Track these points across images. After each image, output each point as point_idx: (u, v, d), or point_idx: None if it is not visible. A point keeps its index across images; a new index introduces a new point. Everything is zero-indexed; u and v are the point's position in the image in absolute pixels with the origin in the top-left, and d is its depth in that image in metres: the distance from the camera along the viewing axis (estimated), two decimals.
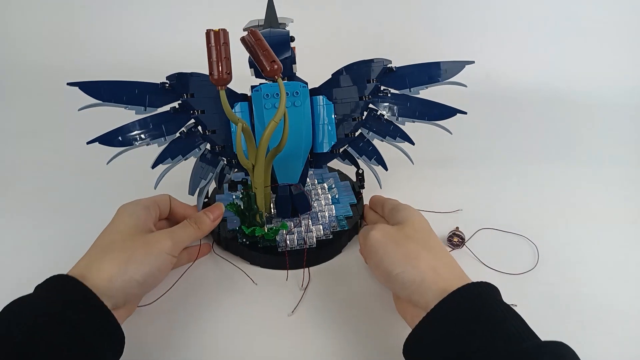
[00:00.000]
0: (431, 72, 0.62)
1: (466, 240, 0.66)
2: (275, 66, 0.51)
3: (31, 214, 0.71)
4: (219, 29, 0.46)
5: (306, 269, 0.61)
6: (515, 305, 0.44)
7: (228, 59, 0.47)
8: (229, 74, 0.48)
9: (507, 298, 0.57)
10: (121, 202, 0.55)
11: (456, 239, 0.65)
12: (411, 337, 0.43)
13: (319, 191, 0.70)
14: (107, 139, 0.56)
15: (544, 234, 0.67)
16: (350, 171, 0.73)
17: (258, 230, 0.60)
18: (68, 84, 0.54)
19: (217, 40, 0.46)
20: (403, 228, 0.51)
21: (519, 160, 0.85)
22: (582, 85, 1.08)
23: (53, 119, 0.99)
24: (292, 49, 0.60)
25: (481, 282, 0.44)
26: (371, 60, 0.61)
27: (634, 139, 0.94)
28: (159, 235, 0.50)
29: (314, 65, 0.64)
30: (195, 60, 0.63)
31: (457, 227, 0.67)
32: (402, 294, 0.47)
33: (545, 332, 0.40)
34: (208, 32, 0.46)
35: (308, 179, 0.71)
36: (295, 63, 0.60)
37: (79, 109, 0.55)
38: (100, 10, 1.23)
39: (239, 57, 0.54)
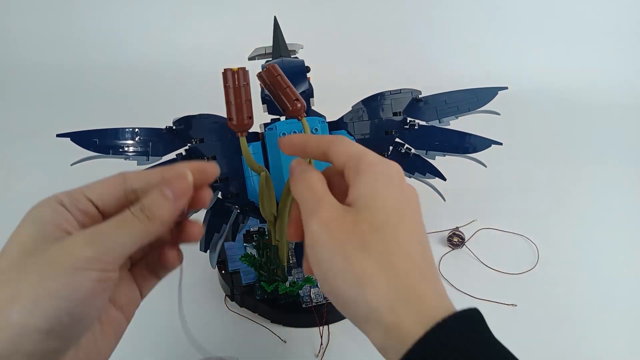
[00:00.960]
0: (463, 100, 0.56)
1: (466, 240, 0.66)
2: (299, 105, 0.45)
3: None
4: (237, 68, 0.40)
5: (320, 329, 0.54)
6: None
7: (249, 101, 0.41)
8: (251, 118, 0.41)
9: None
10: None
11: (456, 239, 0.65)
12: None
13: None
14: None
15: (544, 234, 0.67)
16: None
17: (282, 287, 0.54)
18: (57, 135, 0.46)
19: (235, 81, 0.40)
20: (360, 221, 0.30)
21: (519, 160, 0.85)
22: (582, 85, 1.09)
23: (53, 120, 0.95)
24: (308, 80, 0.53)
25: (451, 319, 0.27)
26: (398, 91, 0.55)
27: (633, 139, 0.95)
28: (70, 241, 0.28)
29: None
30: (198, 62, 0.57)
31: (457, 227, 0.67)
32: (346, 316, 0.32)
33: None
34: (225, 72, 0.40)
35: None
36: (312, 96, 0.54)
37: (72, 164, 0.47)
38: (100, 9, 1.19)
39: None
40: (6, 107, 1.07)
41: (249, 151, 0.44)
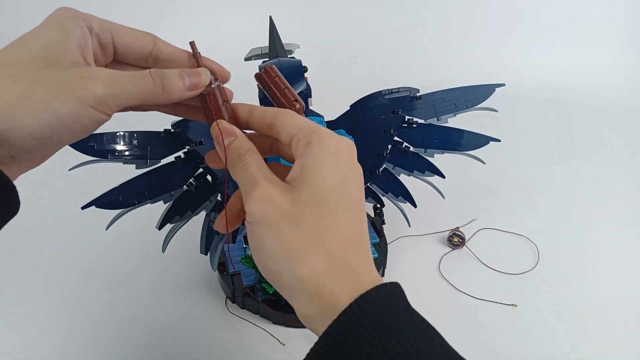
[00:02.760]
0: (460, 98, 0.56)
1: (466, 240, 0.66)
2: (297, 105, 0.45)
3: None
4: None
5: None
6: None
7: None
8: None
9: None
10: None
11: (456, 239, 0.65)
12: None
13: None
14: (104, 202, 0.48)
15: (544, 234, 0.67)
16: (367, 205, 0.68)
17: None
18: None
19: (212, 100, 0.38)
20: (297, 198, 0.30)
21: (519, 160, 0.85)
22: (582, 85, 1.08)
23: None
24: (305, 80, 0.53)
25: (377, 289, 0.29)
26: (396, 90, 0.55)
27: (634, 139, 0.94)
28: (90, 74, 0.30)
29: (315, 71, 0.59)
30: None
31: (457, 227, 0.66)
32: (283, 296, 0.32)
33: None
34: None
35: None
36: (310, 96, 0.54)
37: (70, 169, 0.47)
38: (99, 8, 1.16)
39: (244, 85, 0.47)
40: None
41: None
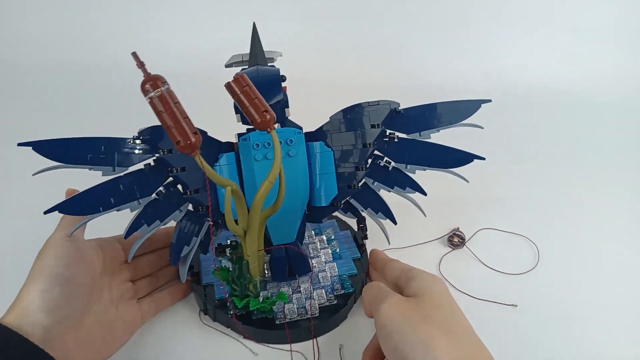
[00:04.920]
0: (444, 114, 0.54)
1: (466, 240, 0.66)
2: (268, 117, 0.44)
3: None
4: (161, 91, 0.37)
5: (314, 342, 0.53)
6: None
7: (187, 117, 0.38)
8: (196, 133, 0.39)
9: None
10: None
11: (456, 239, 0.65)
12: None
13: (318, 245, 0.62)
14: (68, 207, 0.47)
15: (544, 234, 0.67)
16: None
17: (253, 303, 0.52)
18: (19, 144, 0.45)
19: (166, 103, 0.37)
20: (421, 303, 0.42)
21: (519, 160, 0.85)
22: (583, 85, 1.07)
23: (51, 121, 0.93)
24: (284, 90, 0.52)
25: None
26: (376, 102, 0.53)
27: (634, 139, 0.94)
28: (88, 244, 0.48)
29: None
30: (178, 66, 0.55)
31: (458, 227, 0.67)
32: None
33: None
34: (152, 100, 0.37)
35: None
36: (287, 107, 0.53)
37: (34, 174, 0.46)
38: (98, 7, 1.17)
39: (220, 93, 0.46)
40: (6, 108, 1.05)
41: (213, 170, 0.42)
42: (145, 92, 0.36)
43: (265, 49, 0.56)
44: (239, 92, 0.43)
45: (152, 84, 0.36)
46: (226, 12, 1.12)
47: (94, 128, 0.52)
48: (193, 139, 0.37)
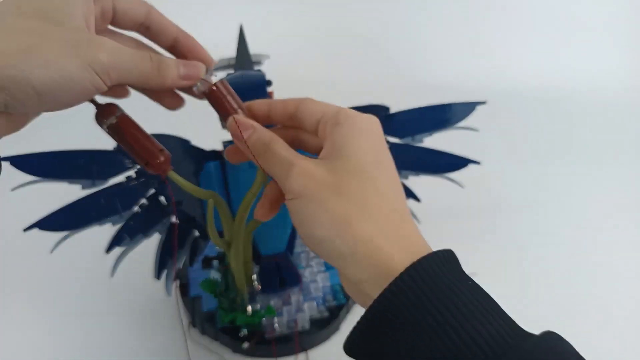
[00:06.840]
0: (436, 117, 0.52)
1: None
2: (162, 158, 0.35)
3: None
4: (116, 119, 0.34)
5: (302, 357, 0.51)
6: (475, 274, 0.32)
7: (148, 136, 0.35)
8: (162, 150, 0.36)
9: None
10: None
11: None
12: (352, 333, 0.29)
13: (310, 254, 0.60)
14: (48, 224, 0.45)
15: (544, 234, 0.67)
16: None
17: (240, 319, 0.50)
18: None
19: (126, 126, 0.34)
20: (337, 163, 0.31)
21: (519, 160, 0.84)
22: (583, 85, 1.05)
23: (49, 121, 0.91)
24: (270, 95, 0.50)
25: (434, 254, 0.29)
26: (364, 107, 0.51)
27: (634, 139, 0.92)
28: (98, 42, 0.30)
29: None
30: None
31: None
32: (333, 265, 0.32)
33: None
34: (111, 127, 0.34)
35: None
36: None
37: (12, 189, 0.45)
38: None
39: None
40: None
41: (190, 184, 0.40)
42: (100, 123, 0.34)
43: (253, 51, 0.54)
44: (219, 97, 0.40)
45: (106, 113, 0.34)
46: (215, 13, 1.11)
47: (75, 140, 0.51)
48: (162, 158, 0.35)
